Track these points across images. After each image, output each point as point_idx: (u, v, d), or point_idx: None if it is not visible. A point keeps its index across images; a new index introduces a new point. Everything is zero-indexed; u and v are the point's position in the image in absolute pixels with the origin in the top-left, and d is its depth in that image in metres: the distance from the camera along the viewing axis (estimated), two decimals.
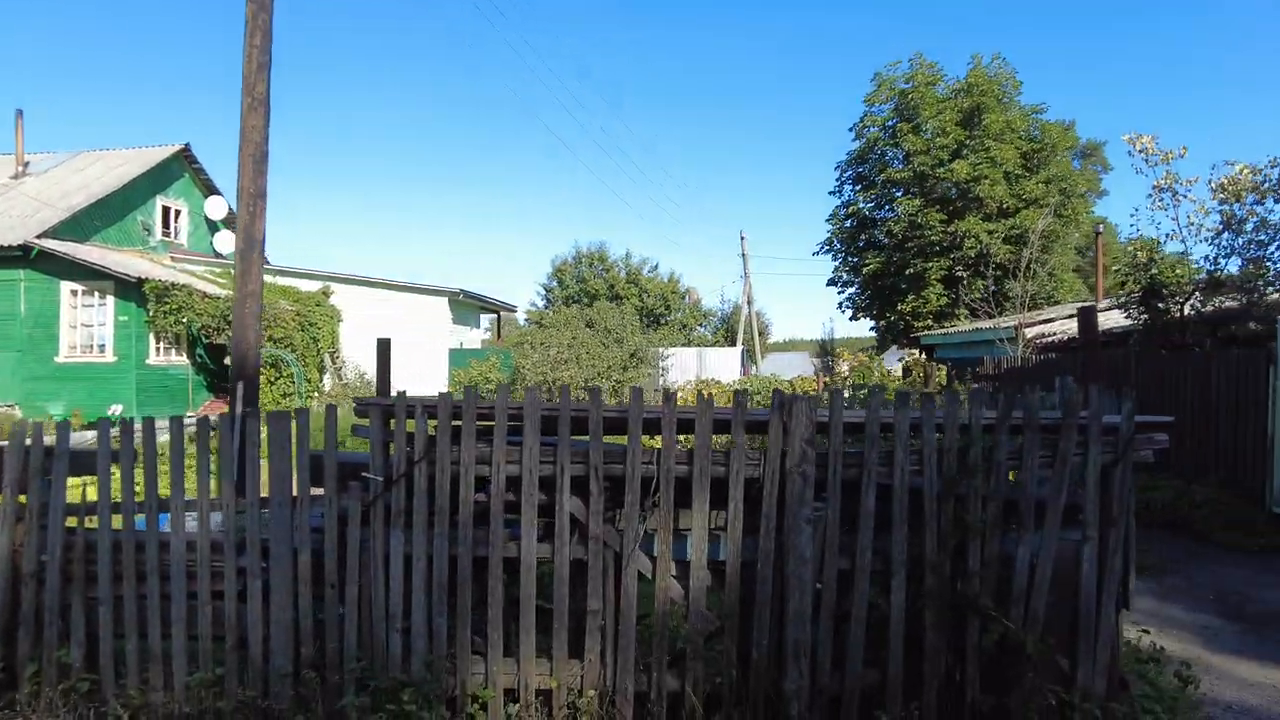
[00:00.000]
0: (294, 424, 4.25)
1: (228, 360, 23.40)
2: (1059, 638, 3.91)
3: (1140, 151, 11.68)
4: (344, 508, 4.15)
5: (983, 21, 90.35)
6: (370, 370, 26.54)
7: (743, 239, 39.85)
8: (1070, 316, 17.90)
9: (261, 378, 18.60)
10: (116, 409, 20.71)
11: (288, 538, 4.16)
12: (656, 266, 41.74)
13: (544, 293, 41.79)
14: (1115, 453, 3.91)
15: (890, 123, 27.93)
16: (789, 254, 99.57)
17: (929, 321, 26.13)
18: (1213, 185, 11.00)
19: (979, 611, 3.80)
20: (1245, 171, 10.73)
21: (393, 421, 4.12)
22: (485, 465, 4.03)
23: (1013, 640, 3.79)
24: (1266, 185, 10.41)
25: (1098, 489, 3.88)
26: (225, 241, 28.91)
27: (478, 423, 4.08)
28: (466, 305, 29.87)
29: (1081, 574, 3.87)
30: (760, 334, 45.08)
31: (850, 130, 29.18)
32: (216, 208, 29.28)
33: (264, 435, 4.34)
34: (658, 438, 3.98)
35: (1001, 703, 3.83)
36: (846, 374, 19.58)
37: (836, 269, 30.46)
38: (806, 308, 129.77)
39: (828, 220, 30.40)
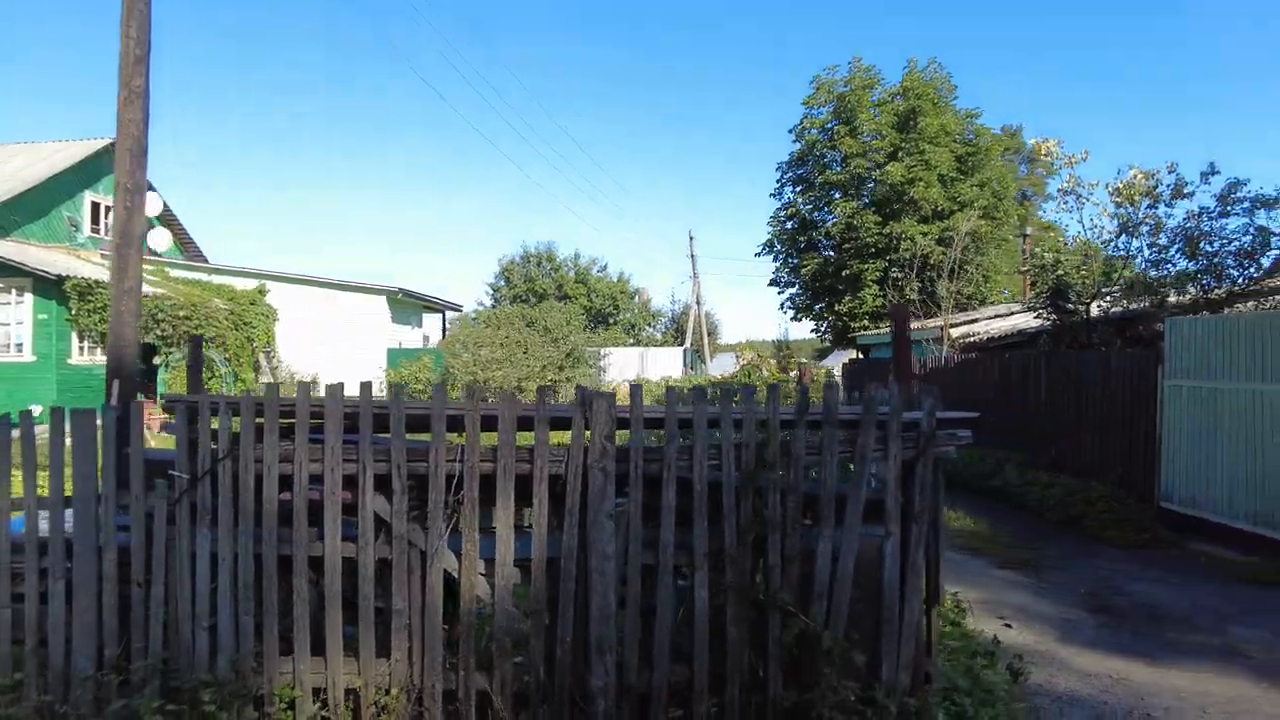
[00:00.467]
0: (100, 421, 4.16)
1: (157, 360, 22.97)
2: (864, 633, 3.96)
3: (1045, 155, 11.92)
4: (150, 506, 4.06)
5: (938, 24, 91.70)
6: (306, 369, 26.19)
7: (691, 239, 40.06)
8: (994, 318, 18.23)
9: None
10: (36, 409, 20.14)
11: (92, 536, 4.07)
12: (606, 267, 41.83)
13: (492, 292, 41.60)
14: (917, 449, 3.96)
15: (829, 125, 28.24)
16: (744, 255, 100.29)
17: (865, 322, 26.49)
18: (1109, 189, 11.28)
19: (778, 607, 3.83)
20: (1139, 176, 11.00)
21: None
22: (290, 463, 3.97)
23: (812, 636, 3.83)
24: (1159, 190, 10.69)
25: (898, 485, 3.93)
26: (160, 239, 28.28)
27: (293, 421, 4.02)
28: (407, 304, 29.57)
29: (884, 570, 3.92)
30: (710, 334, 45.27)
31: (790, 132, 29.58)
32: (151, 204, 28.64)
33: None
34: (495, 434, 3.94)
35: (804, 699, 3.86)
36: (734, 373, 19.65)
37: (776, 270, 30.73)
38: (763, 309, 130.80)
39: (769, 222, 30.70)
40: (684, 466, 3.87)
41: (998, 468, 13.01)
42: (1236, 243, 11.70)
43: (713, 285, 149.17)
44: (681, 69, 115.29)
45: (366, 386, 3.99)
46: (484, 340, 23.69)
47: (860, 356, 26.17)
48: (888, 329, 24.58)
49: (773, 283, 30.87)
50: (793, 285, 30.26)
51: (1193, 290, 11.99)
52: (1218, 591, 7.53)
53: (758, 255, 31.68)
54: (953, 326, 18.63)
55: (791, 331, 37.27)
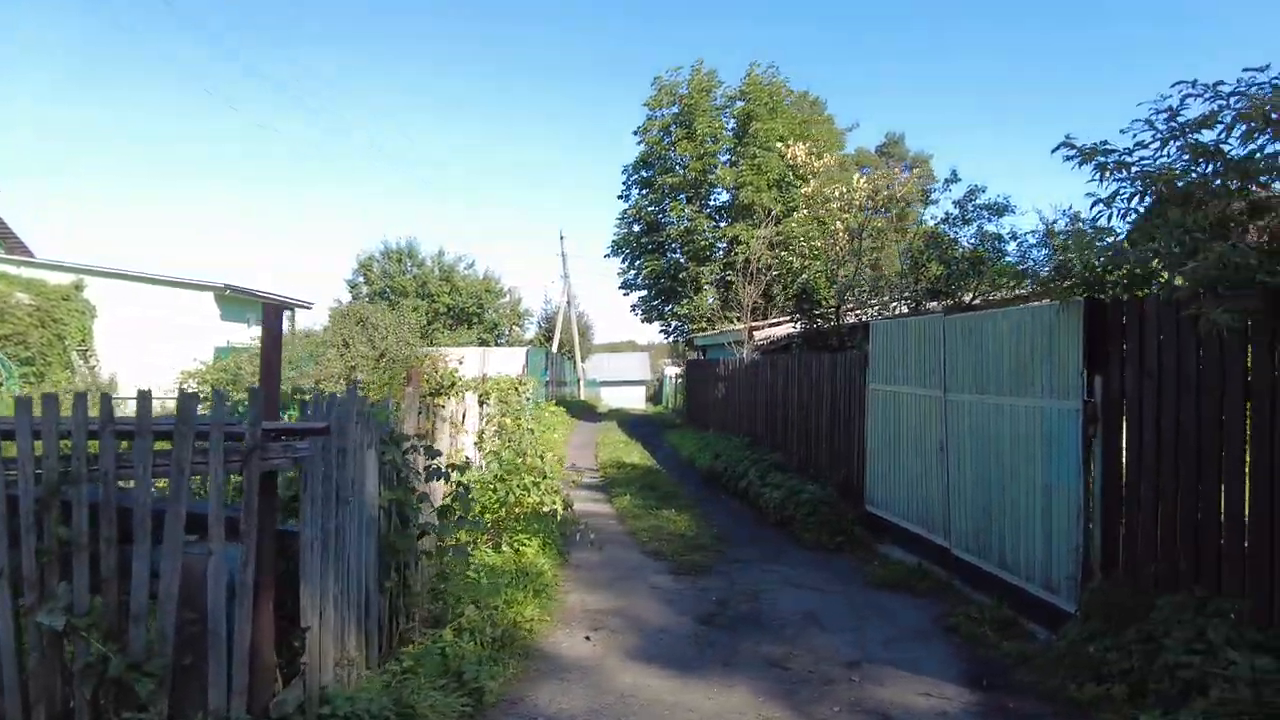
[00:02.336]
0: None
1: None
2: (200, 657, 3.65)
3: (793, 159, 11.99)
4: None
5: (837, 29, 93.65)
6: (128, 369, 24.79)
7: (562, 238, 39.73)
8: (786, 321, 18.43)
9: None
10: None
11: None
12: (472, 264, 41.08)
13: (350, 289, 40.41)
14: (241, 462, 3.67)
15: (670, 127, 28.31)
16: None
17: (703, 324, 26.64)
18: (842, 198, 11.42)
19: (77, 631, 3.49)
20: (862, 183, 11.18)
21: None
22: None
23: (123, 662, 3.50)
24: (879, 198, 10.86)
25: (220, 499, 3.63)
26: None
27: None
28: (241, 301, 28.34)
29: (207, 590, 3.61)
30: (582, 334, 45.07)
31: (635, 134, 29.56)
32: None
33: None
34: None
35: None
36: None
37: (622, 272, 30.71)
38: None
39: (616, 223, 30.67)
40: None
41: (750, 468, 13.08)
42: (971, 247, 11.99)
43: (593, 287, 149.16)
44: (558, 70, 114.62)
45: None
46: (305, 340, 22.78)
47: (699, 357, 26.32)
48: (720, 330, 24.80)
49: (623, 285, 30.84)
50: (640, 288, 30.26)
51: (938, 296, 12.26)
52: (851, 597, 7.56)
53: (606, 257, 31.59)
54: (756, 329, 18.79)
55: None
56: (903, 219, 12.71)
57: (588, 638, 6.33)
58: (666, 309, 28.72)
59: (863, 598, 7.52)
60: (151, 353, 25.03)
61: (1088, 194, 5.55)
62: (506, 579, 7.11)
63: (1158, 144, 5.18)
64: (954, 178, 12.37)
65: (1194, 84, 4.60)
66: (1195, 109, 4.81)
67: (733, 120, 27.81)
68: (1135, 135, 5.24)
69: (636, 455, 19.32)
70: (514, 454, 9.27)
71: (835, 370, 11.58)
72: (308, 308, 34.09)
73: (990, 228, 11.85)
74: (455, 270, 39.99)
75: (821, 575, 8.35)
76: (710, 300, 26.45)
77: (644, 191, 29.52)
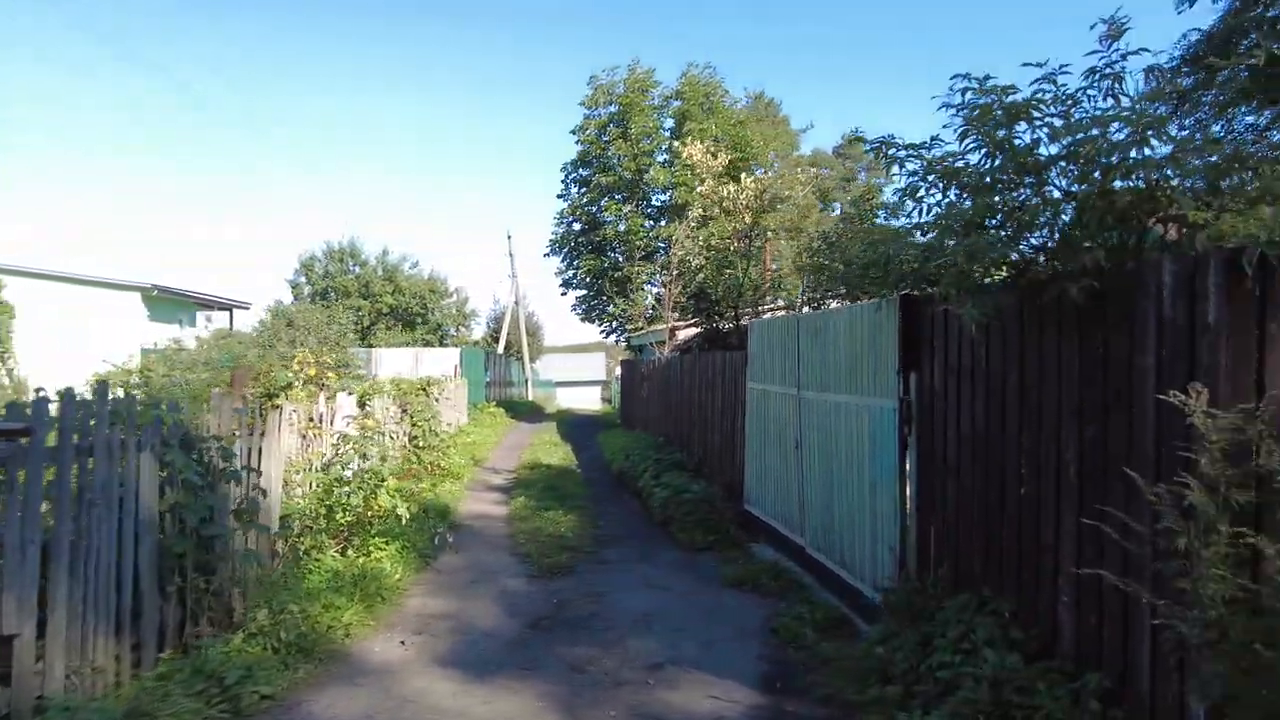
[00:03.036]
0: None
1: None
2: None
3: (686, 159, 11.91)
4: None
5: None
6: (52, 371, 24.15)
7: (509, 237, 39.40)
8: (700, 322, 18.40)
9: None
10: None
11: None
12: (417, 264, 40.62)
13: (291, 289, 39.79)
14: None
15: (607, 127, 28.21)
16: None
17: (640, 324, 26.56)
18: (729, 198, 11.37)
19: None
20: (750, 183, 11.13)
21: None
22: None
23: None
24: (764, 198, 10.82)
25: None
26: None
27: None
28: (173, 301, 27.77)
29: None
30: (532, 335, 44.80)
31: (572, 133, 29.42)
32: None
33: None
34: None
35: None
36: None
37: (561, 271, 30.53)
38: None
39: (554, 222, 30.49)
40: None
41: (648, 468, 12.99)
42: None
43: (546, 288, 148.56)
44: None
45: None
46: (232, 342, 22.33)
47: (635, 357, 26.23)
48: (649, 329, 24.74)
49: (563, 284, 30.64)
50: (579, 286, 30.10)
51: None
52: (698, 597, 7.45)
53: (545, 255, 31.40)
54: (679, 329, 18.73)
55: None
56: (806, 218, 12.70)
57: (403, 642, 6.18)
58: (606, 309, 28.58)
59: (710, 598, 7.42)
60: (73, 354, 24.44)
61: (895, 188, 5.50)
62: (341, 583, 6.94)
63: (957, 137, 5.12)
64: (852, 176, 12.34)
65: (968, 76, 4.54)
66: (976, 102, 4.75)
67: (670, 120, 27.80)
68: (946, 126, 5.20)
69: (559, 457, 19.15)
70: (381, 457, 9.07)
71: (724, 370, 11.52)
72: (245, 308, 33.50)
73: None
74: (399, 270, 39.53)
75: (680, 575, 8.26)
76: (648, 300, 26.38)
77: (582, 190, 29.38)
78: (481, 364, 30.76)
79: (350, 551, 7.74)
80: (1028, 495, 4.53)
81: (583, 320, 31.01)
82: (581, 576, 8.22)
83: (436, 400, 16.08)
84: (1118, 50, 4.02)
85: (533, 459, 18.22)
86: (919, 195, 5.18)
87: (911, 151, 4.92)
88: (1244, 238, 3.22)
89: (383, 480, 7.65)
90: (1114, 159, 3.75)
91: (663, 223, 26.47)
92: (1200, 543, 3.03)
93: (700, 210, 11.81)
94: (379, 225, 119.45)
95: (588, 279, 29.43)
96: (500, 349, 39.92)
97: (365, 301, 38.04)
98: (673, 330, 18.72)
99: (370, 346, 32.45)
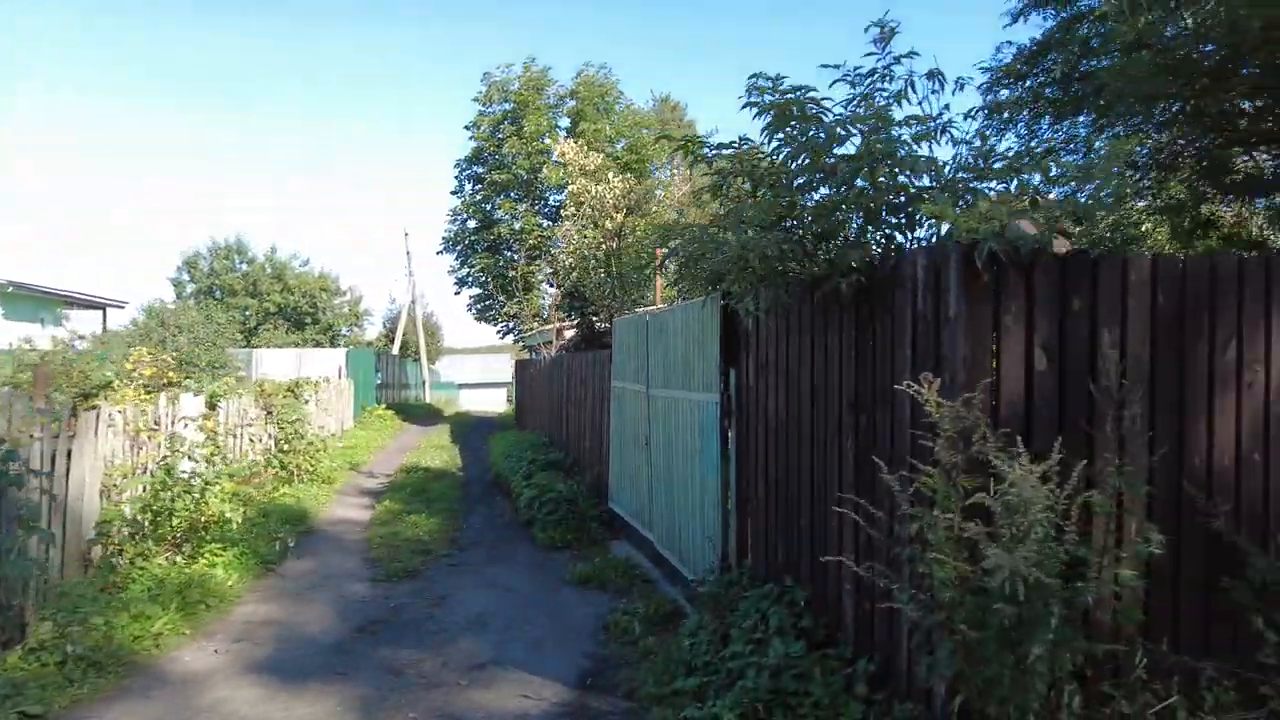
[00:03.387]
0: None
1: None
2: None
3: (560, 156, 11.85)
4: None
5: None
6: None
7: (406, 235, 38.57)
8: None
9: None
10: None
11: None
12: (307, 262, 39.30)
13: (173, 287, 37.93)
14: None
15: (501, 124, 27.93)
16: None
17: (533, 324, 26.37)
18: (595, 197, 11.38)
19: None
20: (617, 183, 11.17)
21: None
22: None
23: None
24: (629, 198, 10.86)
25: None
26: None
27: None
28: (32, 299, 26.06)
29: None
30: (431, 335, 43.99)
31: (467, 129, 29.01)
32: None
33: None
34: None
35: None
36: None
37: (454, 269, 30.03)
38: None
39: (448, 219, 29.97)
40: None
41: (521, 468, 12.87)
42: None
43: (446, 288, 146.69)
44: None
45: None
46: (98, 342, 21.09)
47: (531, 357, 26.00)
48: (538, 329, 24.61)
49: (459, 283, 30.14)
50: (473, 285, 29.66)
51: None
52: (543, 597, 7.39)
53: (439, 254, 30.84)
54: (567, 329, 18.66)
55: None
56: (682, 217, 12.80)
57: (216, 651, 5.91)
58: (501, 308, 28.24)
59: (554, 597, 7.37)
60: None
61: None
62: (163, 592, 6.62)
63: (765, 135, 5.20)
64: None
65: (761, 76, 4.62)
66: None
67: (566, 119, 27.67)
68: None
69: (443, 460, 18.81)
70: (221, 459, 8.68)
71: (594, 369, 11.51)
72: (120, 307, 31.75)
73: None
74: (288, 268, 38.14)
75: (531, 575, 8.18)
76: (544, 300, 26.19)
77: (477, 188, 28.97)
78: (372, 365, 29.92)
79: (180, 559, 7.38)
80: (816, 485, 4.64)
81: (477, 320, 30.53)
82: (429, 579, 8.05)
83: (307, 402, 15.55)
84: (890, 53, 4.15)
85: (414, 462, 17.83)
86: (724, 191, 5.25)
87: (714, 149, 4.98)
88: (983, 233, 3.35)
89: (208, 484, 7.31)
90: (883, 158, 3.86)
91: (557, 222, 26.38)
92: (929, 527, 3.14)
93: (572, 208, 11.78)
94: (270, 224, 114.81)
95: (482, 278, 29.03)
96: (396, 350, 38.96)
97: (253, 300, 36.55)
98: (560, 330, 18.64)
99: (253, 347, 31.19)
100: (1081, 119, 8.72)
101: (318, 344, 35.66)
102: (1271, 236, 8.52)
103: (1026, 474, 2.71)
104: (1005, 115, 9.08)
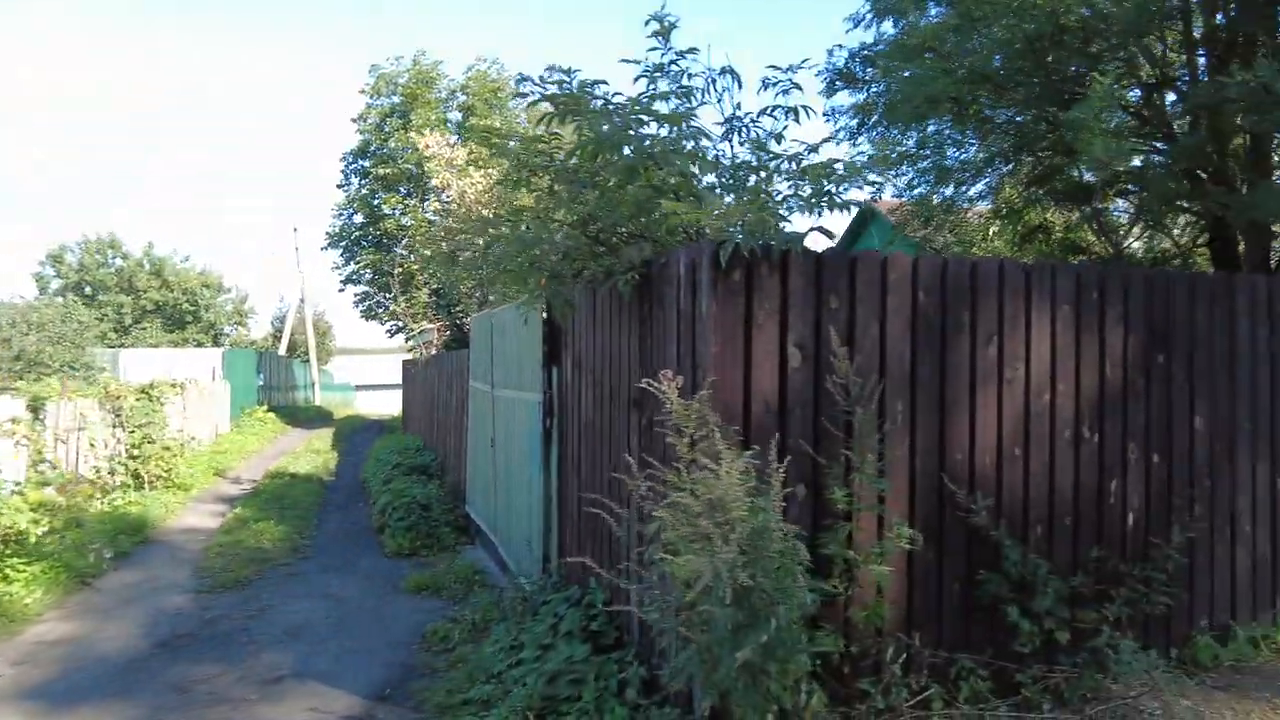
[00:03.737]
0: None
1: None
2: None
3: (426, 149, 11.52)
4: None
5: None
6: None
7: (295, 231, 37.11)
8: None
9: None
10: None
11: None
12: (188, 259, 37.39)
13: (35, 283, 35.51)
14: None
15: (389, 117, 27.21)
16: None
17: (417, 324, 25.75)
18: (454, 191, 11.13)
19: None
20: (478, 177, 10.95)
21: None
22: None
23: None
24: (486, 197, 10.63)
25: None
26: None
27: None
28: None
29: None
30: (323, 335, 42.58)
31: (353, 122, 28.16)
32: None
33: None
34: None
35: None
36: None
37: (339, 265, 29.09)
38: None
39: (334, 213, 29.00)
40: None
41: (381, 472, 12.51)
42: None
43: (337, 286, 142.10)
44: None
45: None
46: None
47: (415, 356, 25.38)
48: (421, 328, 24.05)
49: (344, 280, 29.20)
50: (360, 282, 28.78)
51: None
52: (371, 606, 7.11)
53: (323, 249, 29.79)
54: (447, 328, 18.27)
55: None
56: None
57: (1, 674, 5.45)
58: (388, 306, 27.42)
59: (384, 606, 7.11)
60: None
61: None
62: None
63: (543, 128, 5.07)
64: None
65: (556, 68, 4.52)
66: None
67: (457, 114, 27.11)
68: None
69: (317, 465, 18.15)
70: (50, 468, 8.08)
71: (457, 369, 11.26)
72: None
73: None
74: (168, 263, 36.21)
75: (367, 584, 7.88)
76: (429, 297, 25.52)
77: (363, 181, 28.10)
78: (253, 365, 28.66)
79: None
80: (612, 485, 4.56)
81: (363, 318, 29.57)
82: (256, 590, 7.66)
83: (164, 405, 14.70)
84: (671, 49, 4.10)
85: (283, 468, 17.12)
86: (523, 184, 5.12)
87: (502, 142, 4.86)
88: (718, 233, 3.31)
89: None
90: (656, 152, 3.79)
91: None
92: (667, 527, 3.07)
93: (436, 203, 11.47)
94: (151, 223, 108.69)
95: (368, 275, 28.16)
96: (283, 350, 37.47)
97: (128, 298, 34.52)
98: (440, 329, 18.22)
99: (123, 346, 29.49)
100: (932, 126, 8.97)
101: (199, 344, 33.95)
102: (1095, 242, 8.94)
103: (729, 471, 2.65)
104: (858, 119, 9.29)
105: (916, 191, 9.58)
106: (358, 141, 28.24)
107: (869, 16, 8.37)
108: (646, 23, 4.04)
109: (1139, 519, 4.27)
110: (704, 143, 4.08)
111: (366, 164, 27.92)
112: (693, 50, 4.07)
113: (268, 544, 9.51)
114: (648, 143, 3.81)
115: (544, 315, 5.79)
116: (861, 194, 11.27)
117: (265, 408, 28.00)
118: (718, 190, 4.06)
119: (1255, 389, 4.66)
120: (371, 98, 27.79)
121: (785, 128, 4.48)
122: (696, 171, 3.92)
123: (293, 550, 9.30)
